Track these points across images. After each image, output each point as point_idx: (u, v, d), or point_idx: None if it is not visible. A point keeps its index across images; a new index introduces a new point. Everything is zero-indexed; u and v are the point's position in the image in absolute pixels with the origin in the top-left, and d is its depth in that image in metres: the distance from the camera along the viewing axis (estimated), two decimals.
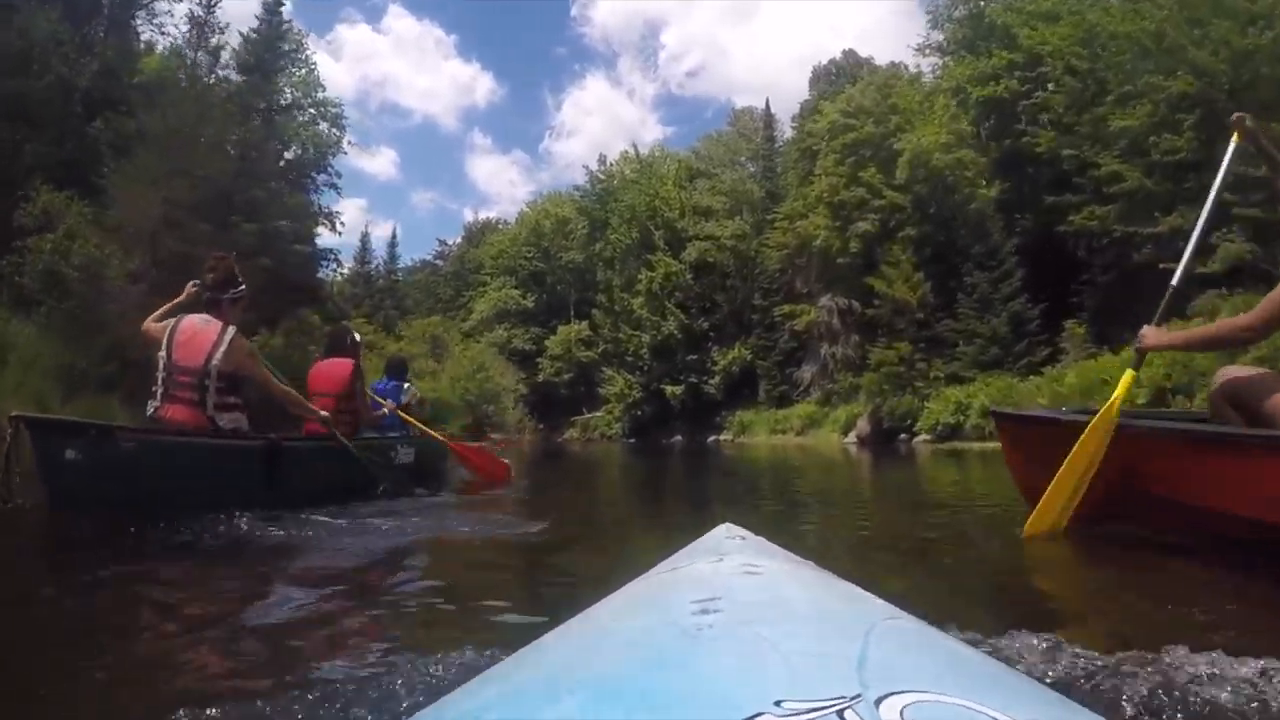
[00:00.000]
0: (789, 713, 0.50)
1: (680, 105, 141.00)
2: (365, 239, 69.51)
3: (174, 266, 18.18)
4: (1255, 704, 1.42)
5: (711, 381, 50.27)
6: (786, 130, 57.38)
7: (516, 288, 68.71)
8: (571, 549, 4.34)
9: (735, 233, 52.34)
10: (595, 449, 35.88)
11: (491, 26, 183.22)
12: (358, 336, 7.45)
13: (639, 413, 53.73)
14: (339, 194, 53.45)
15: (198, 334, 4.79)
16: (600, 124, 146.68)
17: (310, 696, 1.52)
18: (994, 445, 10.50)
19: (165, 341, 4.75)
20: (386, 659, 1.85)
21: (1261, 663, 1.55)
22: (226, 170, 20.85)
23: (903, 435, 29.79)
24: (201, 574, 3.30)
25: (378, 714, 1.44)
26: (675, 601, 0.87)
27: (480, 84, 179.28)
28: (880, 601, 0.90)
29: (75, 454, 4.05)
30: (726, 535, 1.37)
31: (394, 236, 75.26)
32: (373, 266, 68.54)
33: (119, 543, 3.72)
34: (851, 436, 32.67)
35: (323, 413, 5.74)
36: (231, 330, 4.87)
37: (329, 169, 51.43)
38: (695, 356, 51.59)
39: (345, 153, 50.63)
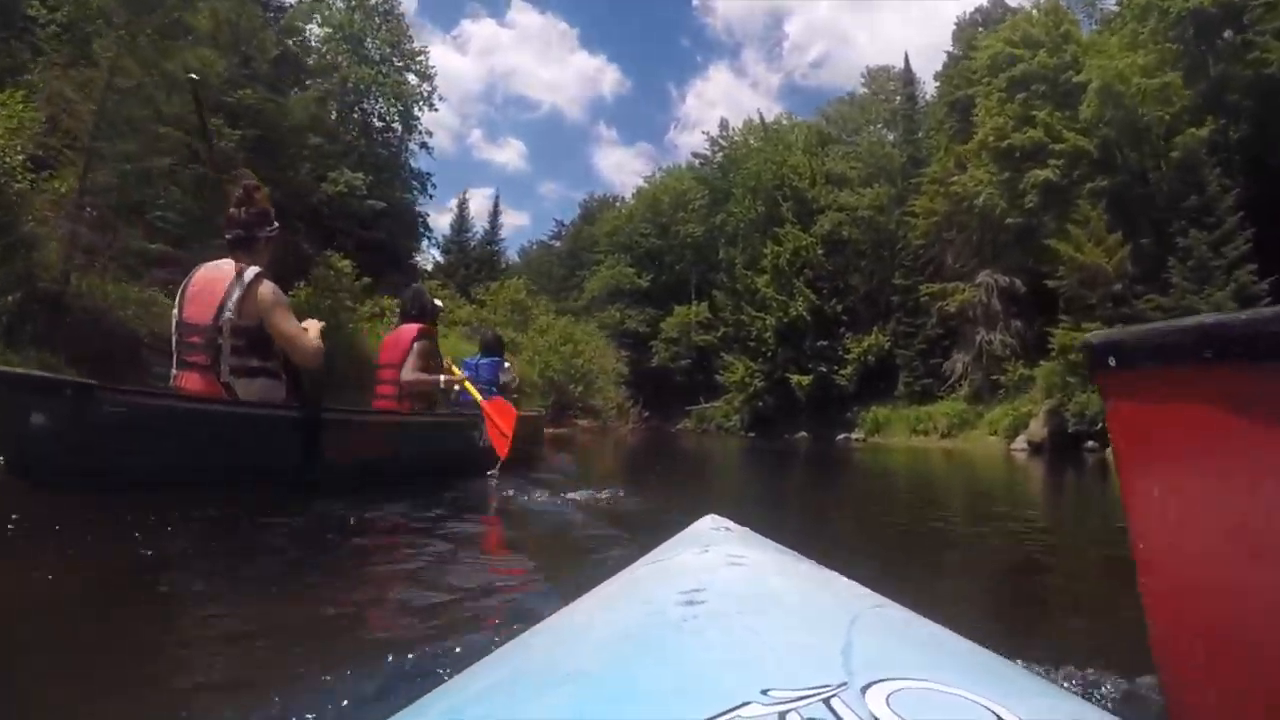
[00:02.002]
0: (775, 701, 0.51)
1: (805, 96, 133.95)
2: (463, 206, 65.82)
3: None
4: None
5: (843, 372, 44.63)
6: (929, 90, 50.53)
7: (631, 266, 63.95)
8: None
9: (873, 203, 46.13)
10: (709, 442, 32.14)
11: (614, 19, 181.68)
12: (439, 303, 6.78)
13: (760, 404, 48.30)
14: (430, 153, 50.29)
15: (210, 283, 4.07)
16: (724, 116, 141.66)
17: (295, 695, 1.49)
18: None
19: (178, 296, 4.13)
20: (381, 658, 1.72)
21: None
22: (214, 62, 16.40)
23: (1091, 442, 23.64)
24: (184, 567, 2.78)
25: (357, 713, 1.43)
26: (661, 593, 0.89)
27: (606, 76, 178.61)
28: (865, 590, 0.95)
29: (44, 419, 3.25)
30: (712, 526, 1.39)
31: (496, 205, 71.39)
32: (470, 235, 64.83)
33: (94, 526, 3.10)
34: (1020, 442, 26.59)
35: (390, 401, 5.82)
36: (251, 273, 4.05)
37: (418, 127, 48.54)
38: (825, 343, 45.98)
39: (436, 109, 47.93)
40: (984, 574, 4.08)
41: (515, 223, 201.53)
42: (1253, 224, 24.22)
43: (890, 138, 51.28)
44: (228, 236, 4.20)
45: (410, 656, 1.71)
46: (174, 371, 4.08)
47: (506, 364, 8.03)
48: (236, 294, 3.98)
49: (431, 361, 6.19)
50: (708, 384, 54.68)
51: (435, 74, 47.26)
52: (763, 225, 50.53)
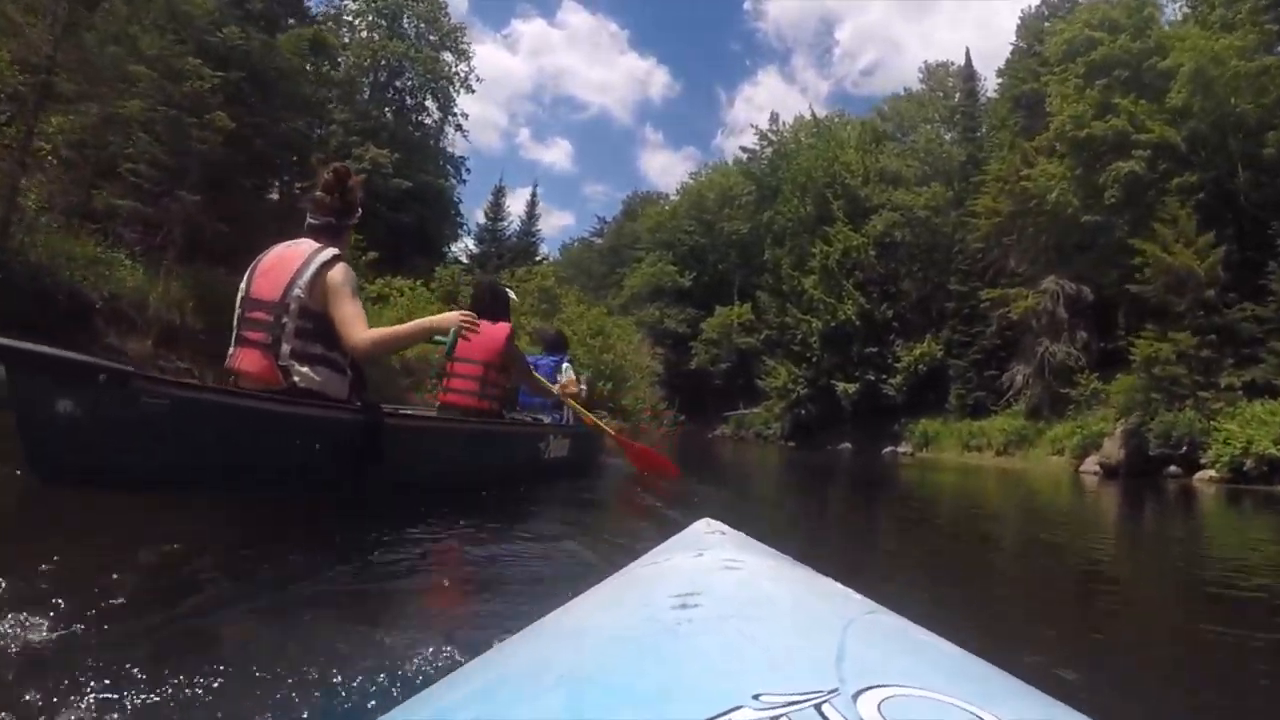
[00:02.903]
0: (767, 706, 0.51)
1: (855, 103, 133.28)
2: (499, 193, 64.20)
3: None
4: None
5: (892, 381, 41.97)
6: (989, 88, 47.51)
7: (673, 264, 61.78)
8: None
9: (929, 202, 43.48)
10: (746, 451, 30.34)
11: (664, 20, 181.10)
12: (512, 294, 6.36)
13: (802, 412, 45.83)
14: (465, 135, 48.85)
15: (284, 260, 3.70)
16: (774, 110, 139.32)
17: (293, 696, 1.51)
18: None
19: (248, 272, 3.73)
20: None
21: None
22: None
23: (1173, 467, 21.07)
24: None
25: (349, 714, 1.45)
26: (654, 596, 0.89)
27: (655, 78, 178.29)
28: (859, 597, 0.96)
29: (72, 407, 2.87)
30: (706, 530, 1.39)
31: (534, 195, 69.86)
32: (505, 223, 63.12)
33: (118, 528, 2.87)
34: (1091, 463, 23.95)
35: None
36: (329, 253, 3.70)
37: (454, 110, 47.02)
38: (875, 349, 43.32)
39: (473, 90, 46.57)
40: (1044, 617, 3.65)
41: (560, 223, 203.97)
42: None
43: (948, 137, 48.54)
44: (313, 221, 3.90)
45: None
46: (231, 350, 3.72)
47: (567, 364, 7.77)
48: (309, 272, 3.61)
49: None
50: (748, 389, 52.38)
51: (473, 54, 45.88)
52: (812, 224, 48.11)
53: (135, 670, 1.54)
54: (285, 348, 3.60)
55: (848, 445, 40.07)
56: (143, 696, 1.45)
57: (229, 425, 3.28)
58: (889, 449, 38.30)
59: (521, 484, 5.57)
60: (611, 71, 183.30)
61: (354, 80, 40.43)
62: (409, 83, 44.81)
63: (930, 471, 21.35)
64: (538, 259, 56.29)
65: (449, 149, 48.59)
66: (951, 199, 43.02)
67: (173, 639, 1.86)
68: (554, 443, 6.46)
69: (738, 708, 0.51)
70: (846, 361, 43.95)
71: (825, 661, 0.59)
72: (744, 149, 62.01)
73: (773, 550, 1.27)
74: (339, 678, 1.57)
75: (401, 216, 37.26)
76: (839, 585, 1.03)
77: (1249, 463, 18.45)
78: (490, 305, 5.93)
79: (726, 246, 61.07)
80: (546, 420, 7.12)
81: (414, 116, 45.76)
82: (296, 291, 3.58)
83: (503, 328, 5.78)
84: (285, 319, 3.59)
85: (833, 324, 44.01)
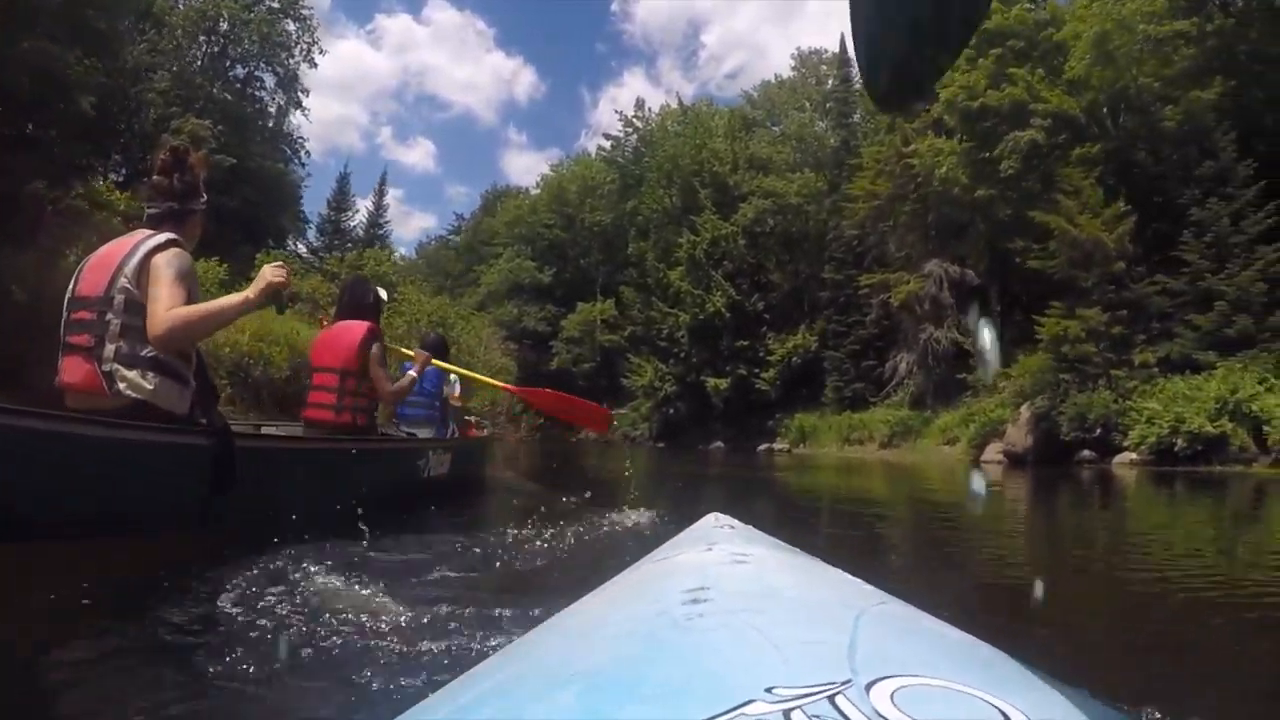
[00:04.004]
0: (780, 699, 0.51)
1: (720, 106, 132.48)
2: (344, 181, 59.62)
3: None
4: None
5: (765, 375, 39.57)
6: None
7: (532, 259, 58.10)
8: None
9: (802, 189, 41.39)
10: (612, 455, 27.49)
11: (532, 19, 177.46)
12: (382, 293, 5.64)
13: (671, 411, 43.21)
14: (306, 114, 44.23)
15: (110, 252, 3.25)
16: (640, 96, 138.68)
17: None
18: None
19: (74, 275, 3.28)
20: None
21: None
22: None
23: (1088, 452, 19.06)
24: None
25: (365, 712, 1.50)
26: (665, 591, 0.89)
27: (521, 78, 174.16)
28: (870, 587, 0.94)
29: None
30: (715, 524, 1.40)
31: (382, 182, 65.60)
32: (349, 214, 59.40)
33: None
34: (994, 452, 21.82)
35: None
36: (161, 237, 3.26)
37: (297, 88, 42.60)
38: (746, 343, 40.90)
39: (315, 66, 42.45)
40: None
41: (422, 224, 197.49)
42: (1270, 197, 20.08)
43: (822, 125, 46.84)
44: (151, 210, 3.44)
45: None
46: (59, 363, 3.18)
47: (452, 376, 7.31)
48: (136, 260, 3.13)
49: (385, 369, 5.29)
50: (613, 389, 48.96)
51: (317, 24, 41.58)
52: (678, 215, 45.63)
53: None
54: (109, 349, 3.06)
55: (720, 444, 37.72)
56: None
57: (38, 456, 2.72)
58: (764, 446, 36.01)
59: (399, 507, 4.91)
60: (478, 70, 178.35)
61: (181, 46, 35.78)
62: (242, 51, 40.16)
63: (814, 470, 18.93)
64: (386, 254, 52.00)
65: (295, 134, 44.09)
66: (825, 186, 41.12)
67: None
68: (434, 459, 6.02)
69: (750, 701, 0.50)
70: (716, 356, 41.58)
71: (837, 653, 0.59)
72: (608, 136, 58.68)
73: (782, 543, 1.28)
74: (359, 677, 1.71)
75: (226, 200, 32.65)
76: (849, 576, 1.02)
77: (1179, 442, 16.55)
78: (350, 303, 5.39)
79: (588, 240, 57.79)
80: (428, 434, 6.62)
81: (246, 90, 41.04)
82: (122, 282, 3.09)
83: (358, 328, 5.10)
84: (110, 316, 3.07)
85: (701, 317, 41.58)
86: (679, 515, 4.92)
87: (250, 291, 3.35)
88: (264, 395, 16.49)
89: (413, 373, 5.65)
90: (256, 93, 41.30)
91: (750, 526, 1.39)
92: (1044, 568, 4.99)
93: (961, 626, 0.82)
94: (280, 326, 17.26)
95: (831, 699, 0.50)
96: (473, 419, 9.35)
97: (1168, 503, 10.52)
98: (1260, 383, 16.68)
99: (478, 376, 7.04)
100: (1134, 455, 17.55)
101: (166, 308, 3.04)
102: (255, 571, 2.88)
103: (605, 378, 50.81)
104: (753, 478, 15.03)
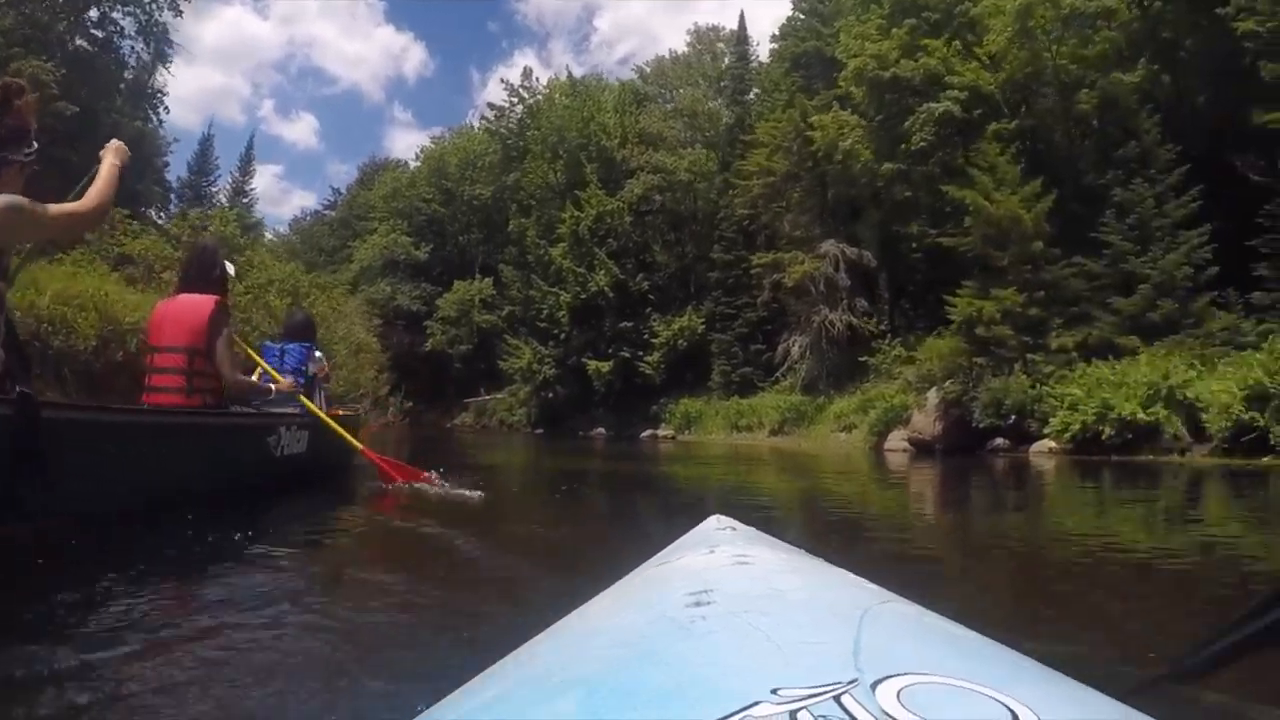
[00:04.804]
0: (786, 700, 0.51)
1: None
2: (207, 143, 55.25)
3: None
4: None
5: (649, 359, 37.75)
6: (763, 54, 44.11)
7: (409, 234, 54.76)
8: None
9: (692, 166, 39.71)
10: (486, 441, 26.06)
11: None
12: (230, 267, 5.37)
13: (550, 395, 41.07)
14: (168, 68, 39.85)
15: None
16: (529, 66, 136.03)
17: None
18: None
19: None
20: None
21: None
22: None
23: (1001, 440, 17.80)
24: None
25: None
26: (668, 595, 0.88)
27: (410, 54, 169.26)
28: (873, 586, 0.94)
29: None
30: (717, 526, 1.38)
31: (250, 143, 61.54)
32: (211, 179, 55.30)
33: None
34: (898, 439, 20.46)
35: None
36: None
37: (161, 35, 38.36)
38: (630, 324, 39.01)
39: (180, 14, 38.29)
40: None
41: (303, 203, 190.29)
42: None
43: (716, 103, 45.13)
44: None
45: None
46: None
47: (318, 352, 6.90)
48: None
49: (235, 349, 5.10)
50: (491, 372, 46.72)
51: None
52: (562, 190, 43.43)
53: None
54: None
55: (601, 430, 35.92)
56: None
57: None
58: (648, 432, 34.27)
59: (246, 492, 4.57)
60: (366, 45, 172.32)
61: None
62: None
63: (703, 458, 17.24)
64: (253, 224, 47.83)
65: (160, 92, 39.79)
66: (716, 165, 39.52)
67: None
68: (288, 436, 5.31)
69: (756, 703, 0.50)
70: (599, 338, 39.61)
71: (842, 652, 0.59)
72: (492, 105, 55.22)
73: (784, 544, 1.27)
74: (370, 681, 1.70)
75: (70, 154, 28.63)
76: (852, 576, 1.02)
77: (1107, 430, 15.30)
78: (198, 274, 4.95)
79: (468, 216, 54.83)
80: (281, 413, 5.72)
81: (103, 34, 36.51)
82: None
83: (205, 302, 4.71)
84: None
85: (583, 296, 39.55)
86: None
87: (113, 157, 3.26)
88: (65, 371, 13.55)
89: (272, 386, 5.40)
90: (116, 40, 36.84)
91: (752, 528, 1.36)
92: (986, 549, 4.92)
93: (966, 624, 0.81)
94: (86, 288, 14.16)
95: (838, 699, 0.50)
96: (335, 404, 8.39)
97: (1108, 493, 9.46)
98: (1190, 368, 15.61)
99: (336, 428, 6.09)
100: (1053, 443, 16.26)
101: None
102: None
103: (483, 360, 48.23)
104: (639, 471, 13.08)
